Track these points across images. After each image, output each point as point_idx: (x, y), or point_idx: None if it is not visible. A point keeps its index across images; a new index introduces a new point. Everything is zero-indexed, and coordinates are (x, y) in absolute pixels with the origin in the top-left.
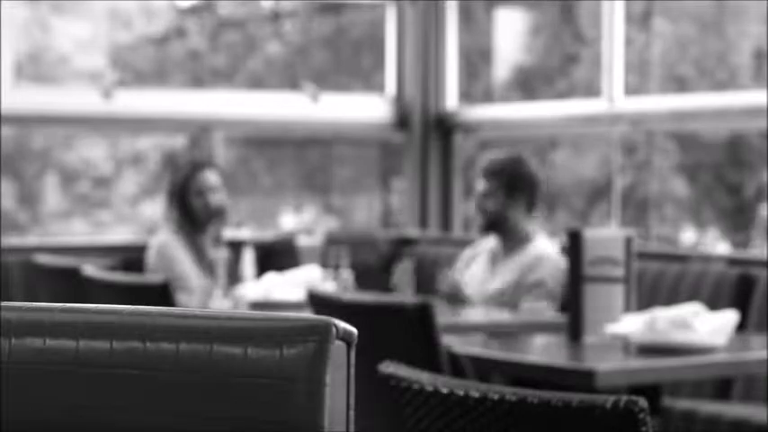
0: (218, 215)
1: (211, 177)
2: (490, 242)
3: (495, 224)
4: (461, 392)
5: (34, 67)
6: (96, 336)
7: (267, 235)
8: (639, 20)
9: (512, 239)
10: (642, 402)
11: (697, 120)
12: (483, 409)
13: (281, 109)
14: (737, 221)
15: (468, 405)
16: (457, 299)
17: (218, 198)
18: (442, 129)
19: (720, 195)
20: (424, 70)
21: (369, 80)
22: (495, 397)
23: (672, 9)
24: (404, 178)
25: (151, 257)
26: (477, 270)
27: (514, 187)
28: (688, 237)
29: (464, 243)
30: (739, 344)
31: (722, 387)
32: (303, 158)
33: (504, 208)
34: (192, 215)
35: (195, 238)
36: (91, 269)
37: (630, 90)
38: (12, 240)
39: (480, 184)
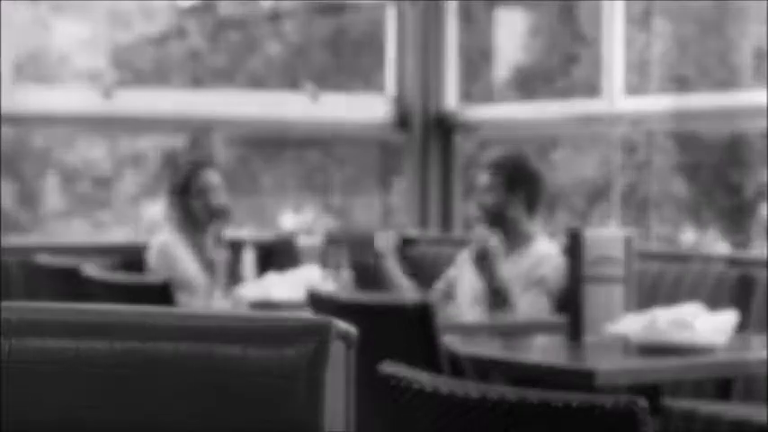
0: (219, 215)
1: (213, 177)
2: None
3: (495, 222)
4: (461, 392)
5: (34, 67)
6: (96, 336)
7: (267, 235)
8: (639, 20)
9: (512, 239)
10: (642, 402)
11: (697, 120)
12: (483, 410)
13: (281, 109)
14: (737, 221)
15: (468, 405)
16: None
17: (219, 198)
18: (442, 129)
19: (720, 195)
20: (424, 70)
21: (369, 80)
22: (495, 397)
23: (672, 9)
24: (404, 178)
25: (152, 257)
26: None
27: (515, 183)
28: (688, 237)
29: (464, 243)
30: (739, 344)
31: (722, 387)
32: (303, 158)
33: (503, 203)
34: (194, 215)
35: (196, 238)
36: (91, 269)
37: (630, 90)
38: (12, 240)
39: (481, 179)
